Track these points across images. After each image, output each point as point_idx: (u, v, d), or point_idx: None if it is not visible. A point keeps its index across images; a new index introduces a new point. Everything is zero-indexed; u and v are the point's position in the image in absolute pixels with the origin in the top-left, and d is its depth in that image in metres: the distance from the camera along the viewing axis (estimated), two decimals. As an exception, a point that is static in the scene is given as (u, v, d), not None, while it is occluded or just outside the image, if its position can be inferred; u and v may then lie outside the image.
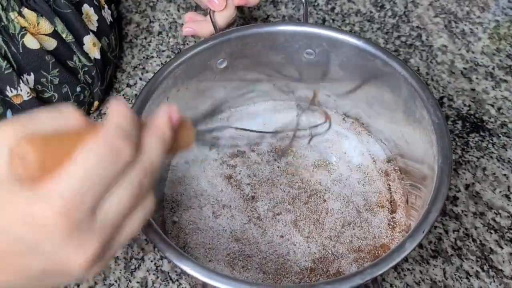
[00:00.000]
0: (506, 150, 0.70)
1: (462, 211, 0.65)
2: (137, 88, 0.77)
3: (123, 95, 0.76)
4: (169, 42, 0.83)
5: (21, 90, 0.61)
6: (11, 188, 0.30)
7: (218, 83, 0.67)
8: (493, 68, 0.79)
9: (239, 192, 0.65)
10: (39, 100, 0.63)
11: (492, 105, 0.75)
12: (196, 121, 0.42)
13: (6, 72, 0.60)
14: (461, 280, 0.60)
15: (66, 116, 0.34)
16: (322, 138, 0.69)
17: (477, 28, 0.84)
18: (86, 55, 0.67)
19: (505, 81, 0.77)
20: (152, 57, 0.81)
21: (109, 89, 0.77)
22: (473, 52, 0.81)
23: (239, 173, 0.66)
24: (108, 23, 0.72)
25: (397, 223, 0.62)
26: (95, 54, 0.68)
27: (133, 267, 0.61)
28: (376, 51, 0.60)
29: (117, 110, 0.34)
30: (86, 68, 0.67)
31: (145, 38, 0.83)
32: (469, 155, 0.70)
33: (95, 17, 0.69)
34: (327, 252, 0.60)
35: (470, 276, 0.60)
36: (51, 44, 0.63)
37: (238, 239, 0.61)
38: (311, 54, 0.64)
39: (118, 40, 0.77)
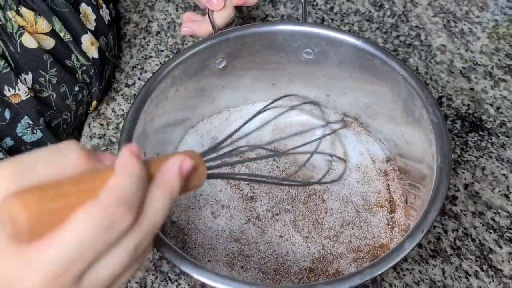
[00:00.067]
0: (505, 149, 0.70)
1: (461, 210, 0.65)
2: (136, 88, 0.77)
3: (122, 95, 0.76)
4: (167, 42, 0.83)
5: (19, 89, 0.60)
6: (2, 245, 0.29)
7: (216, 83, 0.66)
8: (492, 68, 0.79)
9: (238, 192, 0.64)
10: (37, 99, 0.63)
11: (491, 105, 0.74)
12: (204, 152, 0.41)
13: (4, 71, 0.59)
14: (460, 280, 0.60)
15: (66, 156, 0.31)
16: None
17: (476, 28, 0.84)
18: (84, 54, 0.67)
19: (504, 80, 0.77)
20: (151, 57, 0.81)
21: (107, 88, 0.77)
22: (472, 52, 0.81)
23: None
24: (106, 22, 0.71)
25: (396, 223, 0.62)
26: (93, 53, 0.68)
27: (132, 267, 0.61)
28: (375, 51, 0.60)
29: (124, 166, 0.32)
30: (84, 68, 0.67)
31: (144, 38, 0.83)
32: (468, 155, 0.70)
33: (93, 16, 0.69)
34: (326, 252, 0.60)
35: (469, 275, 0.60)
36: (49, 43, 0.63)
37: (237, 239, 0.61)
38: (310, 54, 0.64)
39: (116, 40, 0.76)
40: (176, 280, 0.61)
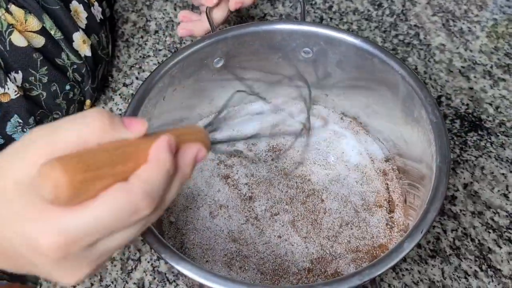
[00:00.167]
0: (504, 149, 0.70)
1: (461, 210, 0.65)
2: (134, 87, 0.77)
3: (119, 94, 0.76)
4: (165, 41, 0.82)
5: (8, 88, 0.60)
6: (31, 201, 0.31)
7: (215, 82, 0.66)
8: (491, 67, 0.78)
9: (237, 192, 0.64)
10: (27, 98, 0.62)
11: (490, 104, 0.74)
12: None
13: None
14: (460, 280, 0.60)
15: (88, 125, 0.32)
16: (319, 138, 0.68)
17: (475, 27, 0.84)
18: (75, 52, 0.66)
19: (503, 79, 0.77)
20: (149, 56, 0.81)
21: (104, 87, 0.77)
22: (471, 51, 0.81)
23: (236, 173, 0.66)
24: (98, 20, 0.71)
25: (395, 223, 0.61)
26: (86, 51, 0.67)
27: (129, 268, 0.61)
28: (374, 50, 0.60)
29: (158, 158, 0.33)
30: (75, 66, 0.66)
31: (142, 37, 0.83)
32: (467, 154, 0.69)
33: (84, 14, 0.68)
34: (325, 253, 0.59)
35: (469, 275, 0.60)
36: (39, 41, 0.62)
37: (236, 240, 0.61)
38: (308, 53, 0.64)
39: (110, 38, 0.76)
40: (174, 281, 0.60)
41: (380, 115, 0.65)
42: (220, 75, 0.65)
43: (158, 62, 0.80)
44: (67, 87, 0.66)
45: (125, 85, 0.77)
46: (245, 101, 0.71)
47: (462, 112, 0.74)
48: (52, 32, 0.63)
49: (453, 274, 0.60)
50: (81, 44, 0.66)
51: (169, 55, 0.80)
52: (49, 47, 0.64)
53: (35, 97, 0.64)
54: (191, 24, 0.68)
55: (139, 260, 0.62)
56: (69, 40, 0.65)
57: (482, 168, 0.68)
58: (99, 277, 0.60)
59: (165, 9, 0.86)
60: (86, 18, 0.68)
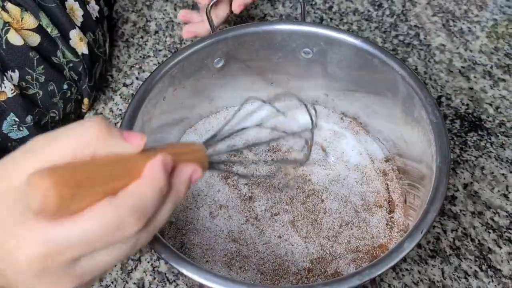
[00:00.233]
0: (504, 149, 0.70)
1: (461, 210, 0.65)
2: (134, 87, 0.77)
3: (119, 94, 0.76)
4: (165, 41, 0.82)
5: (5, 87, 0.59)
6: (16, 211, 0.30)
7: (215, 83, 0.66)
8: (491, 67, 0.78)
9: (237, 192, 0.64)
10: (23, 97, 0.62)
11: (490, 104, 0.74)
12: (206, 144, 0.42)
13: None
14: (460, 280, 0.60)
15: (83, 135, 0.32)
16: (320, 138, 0.68)
17: (475, 27, 0.84)
18: (72, 50, 0.66)
19: (503, 80, 0.77)
20: (149, 56, 0.81)
21: (104, 87, 0.77)
22: (471, 51, 0.81)
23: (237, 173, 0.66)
24: (94, 18, 0.70)
25: (395, 223, 0.61)
26: (83, 49, 0.67)
27: (129, 268, 0.61)
28: (374, 50, 0.60)
29: (152, 176, 0.32)
30: (71, 64, 0.66)
31: (142, 37, 0.83)
32: (468, 154, 0.69)
33: (80, 12, 0.68)
34: (325, 253, 0.59)
35: (469, 276, 0.60)
36: (35, 39, 0.62)
37: (236, 240, 0.61)
38: (308, 53, 0.64)
39: (107, 37, 0.76)
40: (174, 281, 0.60)
41: (380, 115, 0.65)
42: (220, 75, 0.65)
43: (158, 62, 0.80)
44: (65, 86, 0.66)
45: (125, 85, 0.77)
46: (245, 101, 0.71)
47: (462, 112, 0.74)
48: (49, 30, 0.63)
49: (453, 274, 0.60)
50: (78, 41, 0.66)
51: (169, 55, 0.80)
52: (45, 45, 0.63)
53: (32, 96, 0.63)
54: (195, 26, 0.69)
55: (139, 260, 0.62)
56: (65, 38, 0.65)
57: (482, 168, 0.68)
58: (99, 277, 0.60)
59: (165, 9, 0.86)
60: (82, 16, 0.68)
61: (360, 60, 0.61)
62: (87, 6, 0.69)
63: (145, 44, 0.82)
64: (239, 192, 0.64)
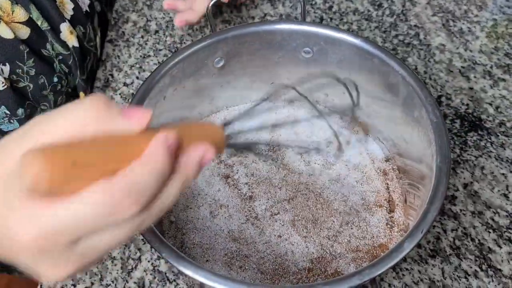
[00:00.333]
0: (505, 149, 0.70)
1: (461, 210, 0.65)
2: (134, 87, 0.77)
3: (120, 94, 0.76)
4: (166, 41, 0.82)
5: None
6: (13, 191, 0.30)
7: (215, 82, 0.66)
8: (491, 67, 0.78)
9: (237, 192, 0.64)
10: (14, 90, 0.62)
11: (490, 104, 0.74)
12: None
13: None
14: (460, 280, 0.60)
15: (82, 113, 0.31)
16: (319, 138, 0.68)
17: (475, 27, 0.84)
18: (63, 43, 0.66)
19: (503, 79, 0.77)
20: (149, 56, 0.81)
21: (103, 85, 0.77)
22: (471, 51, 0.81)
23: (237, 173, 0.66)
24: (84, 12, 0.70)
25: (395, 223, 0.61)
26: (73, 42, 0.67)
27: (130, 267, 0.61)
28: (374, 50, 0.60)
29: (151, 158, 0.31)
30: (61, 57, 0.66)
31: (142, 37, 0.83)
32: (468, 154, 0.69)
33: (70, 5, 0.68)
34: (325, 252, 0.60)
35: (469, 275, 0.60)
36: (25, 32, 0.62)
37: (236, 239, 0.61)
38: (308, 53, 0.64)
39: (97, 31, 0.76)
40: (175, 280, 0.60)
41: (380, 115, 0.65)
42: (221, 75, 0.65)
43: (159, 62, 0.80)
44: (55, 79, 0.66)
45: (125, 84, 0.77)
46: (245, 100, 0.71)
47: (462, 112, 0.74)
48: (39, 23, 0.63)
49: (453, 274, 0.60)
50: (69, 34, 0.66)
51: (169, 55, 0.80)
52: (34, 38, 0.63)
53: (22, 89, 0.63)
54: (186, 14, 0.73)
55: (139, 259, 0.62)
56: (55, 31, 0.65)
57: (482, 168, 0.68)
58: (99, 276, 0.60)
59: (165, 9, 0.86)
60: (72, 9, 0.68)
61: (360, 60, 0.61)
62: (78, 0, 0.69)
63: (146, 44, 0.82)
64: (239, 191, 0.64)
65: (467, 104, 0.74)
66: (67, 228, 0.29)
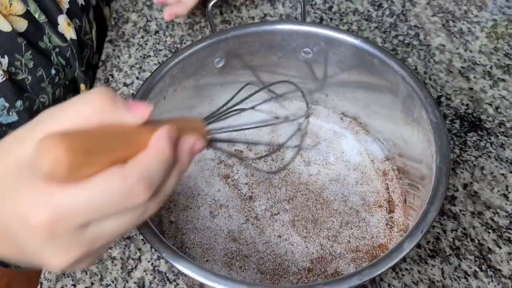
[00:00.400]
0: (504, 149, 0.70)
1: (460, 210, 0.65)
2: (134, 87, 0.77)
3: (120, 94, 0.76)
4: (166, 41, 0.82)
5: None
6: (27, 176, 0.31)
7: (215, 83, 0.66)
8: (490, 67, 0.79)
9: (237, 192, 0.64)
10: (12, 82, 0.62)
11: (490, 104, 0.74)
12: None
13: None
14: (459, 280, 0.60)
15: (87, 106, 0.32)
16: (320, 138, 0.68)
17: (474, 27, 0.84)
18: (61, 35, 0.66)
19: (503, 80, 0.77)
20: (149, 56, 0.81)
21: (105, 84, 0.77)
22: (471, 51, 0.81)
23: (237, 173, 0.66)
24: (80, 5, 0.71)
25: (395, 223, 0.62)
26: (71, 34, 0.67)
27: (130, 267, 0.61)
28: (374, 50, 0.60)
29: (158, 147, 0.33)
30: (57, 50, 0.67)
31: (142, 37, 0.83)
32: (467, 155, 0.69)
33: None
34: (325, 252, 0.60)
35: (468, 275, 0.60)
36: (22, 25, 0.62)
37: (236, 239, 0.61)
38: (308, 53, 0.64)
39: (93, 25, 0.76)
40: (174, 280, 0.60)
41: (380, 115, 0.65)
42: (221, 75, 0.65)
43: (159, 62, 0.80)
44: (53, 71, 0.66)
45: (125, 85, 0.77)
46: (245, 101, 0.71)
47: (462, 112, 0.74)
48: (36, 16, 0.63)
49: (453, 274, 0.60)
50: (66, 26, 0.66)
51: (169, 55, 0.80)
52: (31, 31, 0.63)
53: (20, 81, 0.63)
54: (174, 8, 0.73)
55: (139, 259, 0.62)
56: (53, 23, 0.65)
57: (482, 168, 0.68)
58: (99, 276, 0.60)
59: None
60: (68, 2, 0.68)
61: (360, 60, 0.61)
62: None
63: (146, 44, 0.82)
64: (239, 191, 0.64)
65: (467, 105, 0.74)
66: (81, 212, 0.30)
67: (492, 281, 0.60)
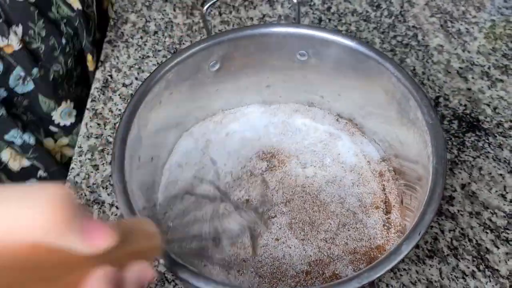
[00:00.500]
0: (502, 149, 0.70)
1: (458, 210, 0.65)
2: (133, 87, 0.77)
3: (119, 94, 0.76)
4: (165, 41, 0.83)
5: (11, 40, 0.61)
6: None
7: (211, 86, 0.66)
8: (489, 68, 0.78)
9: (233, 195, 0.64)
10: (27, 50, 0.63)
11: (488, 105, 0.74)
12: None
13: None
14: (457, 280, 0.60)
15: (40, 214, 0.26)
16: (315, 139, 0.68)
17: (473, 28, 0.84)
18: (69, 6, 0.68)
19: (501, 80, 0.77)
20: (148, 56, 0.81)
21: (104, 87, 0.77)
22: (469, 52, 0.81)
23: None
24: None
25: (392, 224, 0.62)
26: (77, 4, 0.69)
27: (128, 270, 0.61)
28: (369, 52, 0.59)
29: None
30: (65, 20, 0.68)
31: (141, 37, 0.83)
32: (465, 155, 0.69)
33: None
34: (322, 255, 0.60)
35: (466, 276, 0.60)
36: None
37: (233, 243, 0.61)
38: (304, 56, 0.64)
39: None
40: (173, 280, 0.60)
41: (376, 116, 0.65)
42: (216, 78, 0.65)
43: (158, 63, 0.80)
44: (63, 41, 0.68)
45: (124, 85, 0.78)
46: (241, 103, 0.72)
47: (460, 112, 0.74)
48: None
49: (451, 274, 0.60)
50: None
51: (168, 56, 0.80)
52: (41, 0, 0.65)
53: (35, 50, 0.65)
54: None
55: (137, 262, 0.62)
56: None
57: (480, 168, 0.68)
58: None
59: (164, 10, 0.87)
60: None
61: (355, 62, 0.61)
62: None
63: (145, 45, 0.82)
64: (235, 195, 0.64)
65: (465, 105, 0.74)
66: None
67: (490, 281, 0.60)
